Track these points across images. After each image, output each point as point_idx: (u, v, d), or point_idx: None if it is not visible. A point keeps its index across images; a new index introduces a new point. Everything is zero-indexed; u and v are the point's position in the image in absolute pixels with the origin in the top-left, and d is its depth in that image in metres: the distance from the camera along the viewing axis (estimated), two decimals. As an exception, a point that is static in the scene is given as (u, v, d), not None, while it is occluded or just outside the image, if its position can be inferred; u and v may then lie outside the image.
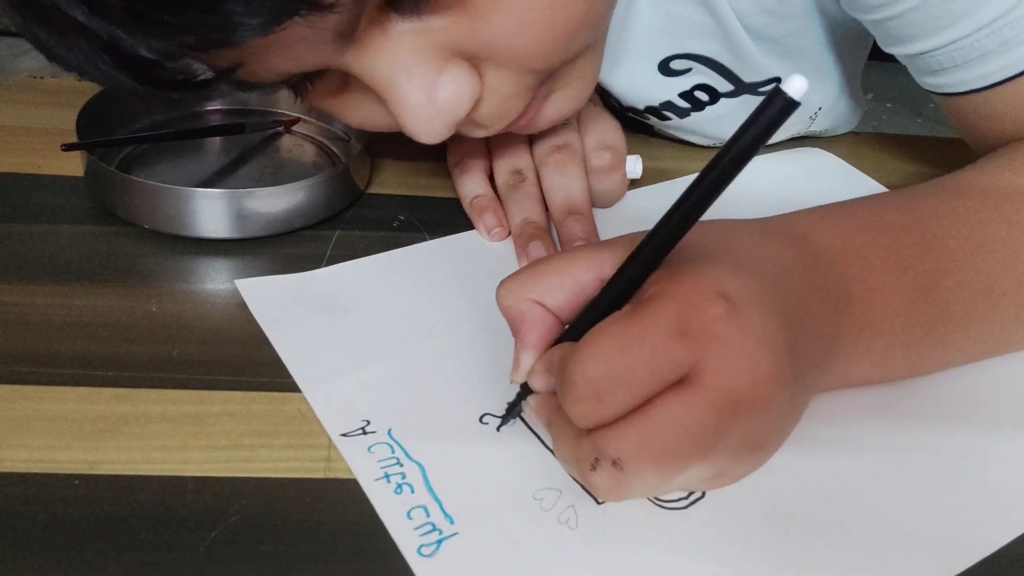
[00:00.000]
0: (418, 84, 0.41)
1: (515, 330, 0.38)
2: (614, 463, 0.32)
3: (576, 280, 0.37)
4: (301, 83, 0.43)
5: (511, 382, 0.38)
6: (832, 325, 0.37)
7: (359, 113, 0.46)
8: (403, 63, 0.40)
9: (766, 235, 0.38)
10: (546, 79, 0.45)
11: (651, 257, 0.34)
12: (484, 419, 0.41)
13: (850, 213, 0.42)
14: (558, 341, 0.37)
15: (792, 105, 0.29)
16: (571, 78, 0.47)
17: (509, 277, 0.38)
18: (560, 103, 0.48)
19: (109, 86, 0.37)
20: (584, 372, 0.32)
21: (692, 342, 0.32)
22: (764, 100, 0.30)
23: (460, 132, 0.46)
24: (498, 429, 0.40)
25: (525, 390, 0.38)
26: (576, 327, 0.36)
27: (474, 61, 0.42)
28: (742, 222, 0.39)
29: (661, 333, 0.32)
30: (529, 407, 0.38)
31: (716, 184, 0.32)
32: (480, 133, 0.47)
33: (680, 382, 0.32)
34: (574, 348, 0.33)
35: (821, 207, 0.42)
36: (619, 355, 0.32)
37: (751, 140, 0.31)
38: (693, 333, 0.32)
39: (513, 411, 0.39)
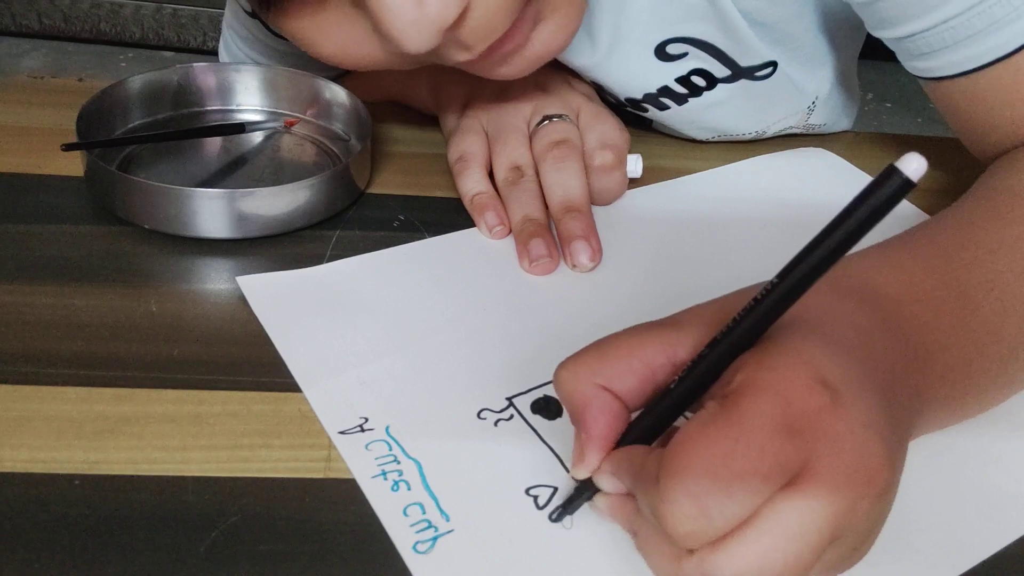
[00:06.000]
0: None
1: (578, 418, 0.34)
2: None
3: (646, 364, 0.33)
4: None
5: (572, 478, 0.35)
6: (915, 380, 0.35)
7: (337, 37, 0.44)
8: None
9: (838, 294, 0.36)
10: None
11: (735, 348, 0.31)
12: (482, 414, 0.41)
13: (911, 252, 0.40)
14: (625, 434, 0.34)
15: (908, 186, 0.26)
16: (559, 2, 0.45)
17: (572, 359, 0.34)
18: (548, 34, 0.46)
19: None
20: (686, 489, 0.28)
21: (801, 439, 0.29)
22: (876, 178, 0.27)
23: (442, 55, 0.44)
24: (553, 518, 0.37)
25: (587, 484, 0.34)
26: (649, 423, 0.33)
27: None
28: None
29: (766, 433, 0.29)
30: (598, 509, 0.35)
31: (813, 272, 0.29)
32: (463, 56, 0.44)
33: (788, 484, 0.29)
34: (667, 460, 0.29)
35: (881, 247, 0.40)
36: (724, 463, 0.28)
37: (856, 224, 0.27)
38: (800, 429, 0.29)
39: (572, 506, 0.36)
